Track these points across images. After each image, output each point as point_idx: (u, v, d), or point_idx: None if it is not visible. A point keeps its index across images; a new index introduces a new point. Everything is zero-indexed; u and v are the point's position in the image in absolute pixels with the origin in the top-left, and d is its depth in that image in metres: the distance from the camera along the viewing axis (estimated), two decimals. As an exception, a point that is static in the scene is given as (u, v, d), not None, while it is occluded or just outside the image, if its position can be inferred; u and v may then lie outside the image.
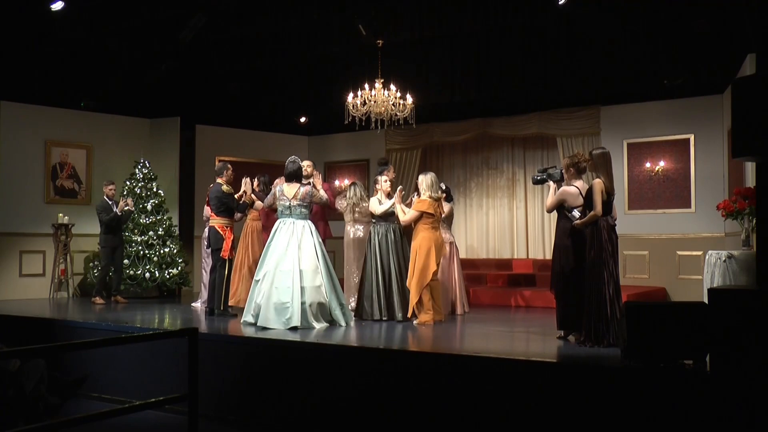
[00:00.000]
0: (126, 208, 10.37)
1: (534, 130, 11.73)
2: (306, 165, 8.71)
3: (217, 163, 12.51)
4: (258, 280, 7.60)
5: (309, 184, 8.01)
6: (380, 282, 8.10)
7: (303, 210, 7.71)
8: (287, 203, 7.69)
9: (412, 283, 7.76)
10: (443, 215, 8.28)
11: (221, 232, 8.48)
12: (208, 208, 8.88)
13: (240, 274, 9.15)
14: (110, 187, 10.33)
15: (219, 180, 8.69)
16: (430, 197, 7.83)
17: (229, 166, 8.87)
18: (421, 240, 7.77)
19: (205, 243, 9.35)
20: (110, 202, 10.26)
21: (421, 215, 7.80)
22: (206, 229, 9.51)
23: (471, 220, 12.80)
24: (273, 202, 7.93)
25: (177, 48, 10.70)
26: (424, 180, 7.93)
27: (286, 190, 7.74)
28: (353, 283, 8.78)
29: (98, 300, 10.07)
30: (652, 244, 10.72)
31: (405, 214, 7.97)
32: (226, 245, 8.45)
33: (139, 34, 10.65)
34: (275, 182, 9.07)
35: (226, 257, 8.47)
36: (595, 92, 10.78)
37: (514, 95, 10.74)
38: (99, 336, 7.06)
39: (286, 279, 7.35)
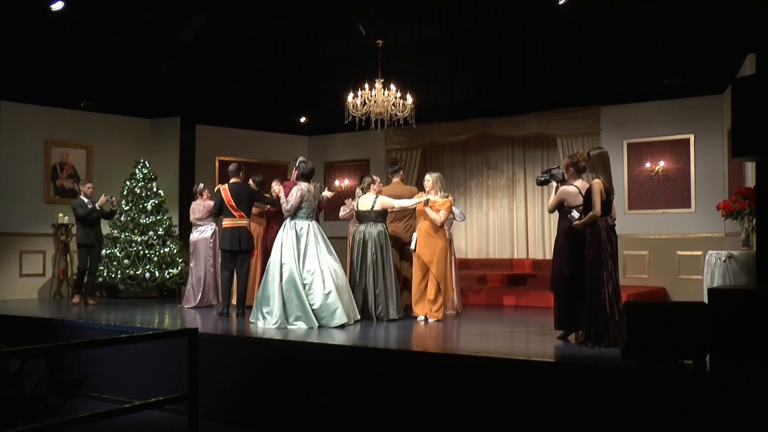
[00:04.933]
0: (108, 201, 9.94)
1: (534, 130, 11.73)
2: None
3: (216, 163, 12.58)
4: (280, 280, 7.33)
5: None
6: (374, 281, 8.05)
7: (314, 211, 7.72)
8: (314, 205, 7.57)
9: (438, 280, 7.82)
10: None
11: (252, 233, 8.40)
12: (232, 206, 8.31)
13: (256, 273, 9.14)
14: (87, 185, 10.01)
15: (236, 180, 8.46)
16: (445, 196, 8.05)
17: (242, 166, 8.75)
18: (440, 238, 7.90)
19: (210, 243, 9.40)
20: (86, 200, 9.89)
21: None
22: (210, 228, 9.51)
23: (471, 220, 12.78)
24: (299, 204, 7.55)
25: (177, 48, 10.70)
26: (437, 178, 8.02)
27: (312, 191, 7.60)
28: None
29: (90, 300, 9.84)
30: (652, 244, 10.72)
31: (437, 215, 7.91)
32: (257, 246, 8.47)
33: (139, 34, 10.65)
34: (284, 184, 9.05)
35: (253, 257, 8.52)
36: (595, 92, 10.76)
37: (514, 95, 10.71)
38: (99, 336, 7.06)
39: (328, 280, 7.37)
